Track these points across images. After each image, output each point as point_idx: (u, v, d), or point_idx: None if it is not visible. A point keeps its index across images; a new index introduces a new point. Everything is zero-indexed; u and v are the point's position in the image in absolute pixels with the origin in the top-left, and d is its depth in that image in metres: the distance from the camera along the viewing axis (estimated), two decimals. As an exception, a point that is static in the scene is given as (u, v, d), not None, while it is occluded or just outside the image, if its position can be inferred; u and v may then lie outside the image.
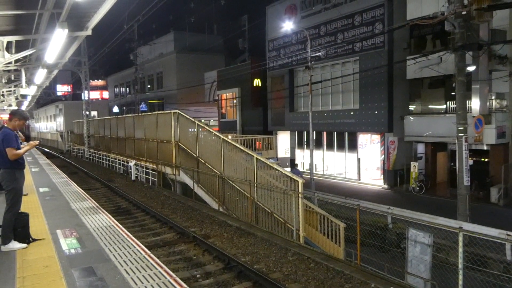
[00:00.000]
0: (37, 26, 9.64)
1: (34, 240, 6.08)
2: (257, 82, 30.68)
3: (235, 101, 33.06)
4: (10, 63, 12.79)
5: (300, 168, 27.07)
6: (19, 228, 5.83)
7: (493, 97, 17.12)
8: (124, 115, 28.84)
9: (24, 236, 5.92)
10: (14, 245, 5.74)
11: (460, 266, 6.30)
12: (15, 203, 5.72)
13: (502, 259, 10.53)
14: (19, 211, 5.85)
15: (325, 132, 25.22)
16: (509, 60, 16.64)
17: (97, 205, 9.10)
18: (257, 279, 7.01)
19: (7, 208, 5.66)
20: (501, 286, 9.36)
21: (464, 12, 12.31)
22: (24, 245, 5.83)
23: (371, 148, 22.72)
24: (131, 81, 46.97)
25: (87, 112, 33.66)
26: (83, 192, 11.04)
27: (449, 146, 19.43)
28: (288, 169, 24.29)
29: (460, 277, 6.31)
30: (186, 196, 15.95)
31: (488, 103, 16.82)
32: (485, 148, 17.58)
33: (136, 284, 4.49)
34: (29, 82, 17.32)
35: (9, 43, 10.81)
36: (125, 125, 24.14)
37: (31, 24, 9.53)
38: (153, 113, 22.69)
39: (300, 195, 9.58)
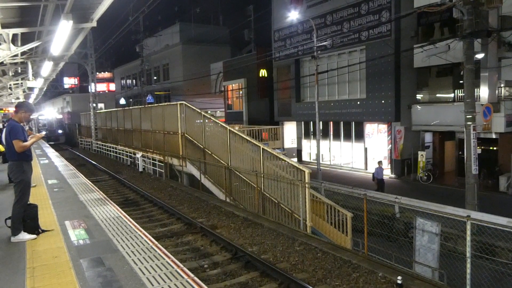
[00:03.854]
0: (42, 18, 9.62)
1: (43, 231, 6.14)
2: (263, 72, 30.54)
3: (241, 92, 32.97)
4: (16, 55, 12.82)
5: (306, 158, 27.06)
6: (28, 220, 5.88)
7: (502, 85, 16.91)
8: (131, 107, 28.91)
9: (34, 227, 5.97)
10: (24, 236, 5.80)
11: (468, 254, 6.27)
12: (24, 195, 5.76)
13: (511, 247, 10.48)
14: (28, 202, 5.90)
15: (331, 122, 25.11)
16: (519, 47, 16.39)
17: (105, 196, 9.16)
18: (265, 269, 7.04)
19: (16, 199, 5.70)
20: (509, 274, 9.31)
21: (472, -1, 12.12)
22: (34, 236, 5.88)
23: (378, 138, 22.59)
24: (138, 73, 47.04)
25: (94, 104, 33.80)
26: (91, 183, 11.11)
27: (457, 135, 19.27)
28: (295, 159, 24.25)
29: (468, 265, 6.29)
30: (193, 187, 16.00)
31: (497, 91, 16.63)
32: (493, 136, 17.41)
33: (144, 274, 4.52)
34: (36, 75, 17.37)
35: (14, 35, 10.82)
36: (132, 117, 24.21)
37: (36, 16, 9.50)
38: (160, 104, 22.74)
39: (307, 185, 9.57)
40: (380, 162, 18.12)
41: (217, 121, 14.71)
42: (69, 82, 62.95)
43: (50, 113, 47.94)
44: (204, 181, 15.03)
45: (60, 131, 43.35)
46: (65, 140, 43.64)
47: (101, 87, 57.50)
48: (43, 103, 73.34)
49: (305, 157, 27.32)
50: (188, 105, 16.70)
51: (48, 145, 27.59)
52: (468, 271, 6.29)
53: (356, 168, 23.51)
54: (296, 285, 6.35)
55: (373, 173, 18.01)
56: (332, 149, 25.24)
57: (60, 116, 47.21)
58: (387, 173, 21.55)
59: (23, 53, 13.20)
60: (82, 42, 15.53)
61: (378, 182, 17.30)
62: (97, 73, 41.13)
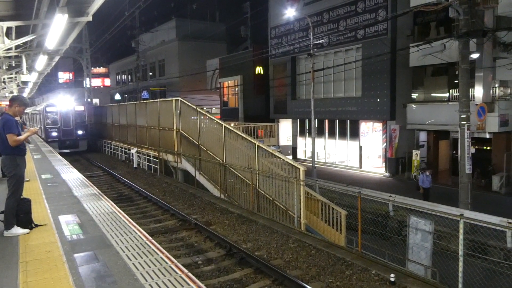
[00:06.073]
0: (37, 11, 9.52)
1: (37, 225, 6.10)
2: (259, 69, 30.49)
3: (237, 89, 32.93)
4: (10, 49, 12.70)
5: (301, 156, 27.08)
6: (21, 214, 5.86)
7: (496, 85, 17.02)
8: (126, 103, 28.74)
9: (27, 222, 5.94)
10: (17, 230, 5.77)
11: (460, 253, 6.31)
12: (17, 189, 5.73)
13: (503, 246, 10.57)
14: (21, 197, 5.87)
15: (327, 120, 25.14)
16: (514, 47, 16.47)
17: (99, 192, 9.12)
18: (258, 266, 7.05)
19: (9, 194, 5.67)
20: (501, 273, 9.39)
21: (469, -2, 12.16)
22: (27, 230, 5.86)
23: (373, 136, 22.66)
24: (133, 69, 46.84)
25: (89, 100, 33.61)
26: (85, 179, 11.05)
27: (452, 134, 19.35)
28: (290, 156, 24.26)
29: (461, 264, 6.33)
30: (188, 183, 15.98)
31: (491, 91, 16.71)
32: (487, 136, 17.50)
33: (138, 270, 4.51)
34: (30, 69, 17.24)
35: (9, 28, 10.72)
36: (127, 113, 24.12)
37: (31, 9, 9.41)
38: (155, 100, 22.65)
39: (301, 183, 9.59)
40: (425, 169, 16.19)
41: (213, 117, 14.68)
42: (63, 76, 62.43)
43: (65, 103, 28.72)
44: (199, 177, 15.00)
45: (80, 132, 27.82)
46: (87, 147, 28.88)
47: (96, 82, 57.14)
48: (36, 97, 72.78)
49: (300, 155, 27.35)
50: (184, 101, 16.65)
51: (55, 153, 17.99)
52: (460, 269, 6.33)
53: (351, 166, 23.56)
54: (290, 282, 6.36)
55: (417, 181, 16.38)
56: (327, 147, 25.29)
57: (81, 108, 28.95)
58: (382, 171, 21.64)
59: (17, 47, 13.09)
60: (78, 37, 15.43)
61: (424, 191, 15.40)
62: (92, 68, 40.85)
